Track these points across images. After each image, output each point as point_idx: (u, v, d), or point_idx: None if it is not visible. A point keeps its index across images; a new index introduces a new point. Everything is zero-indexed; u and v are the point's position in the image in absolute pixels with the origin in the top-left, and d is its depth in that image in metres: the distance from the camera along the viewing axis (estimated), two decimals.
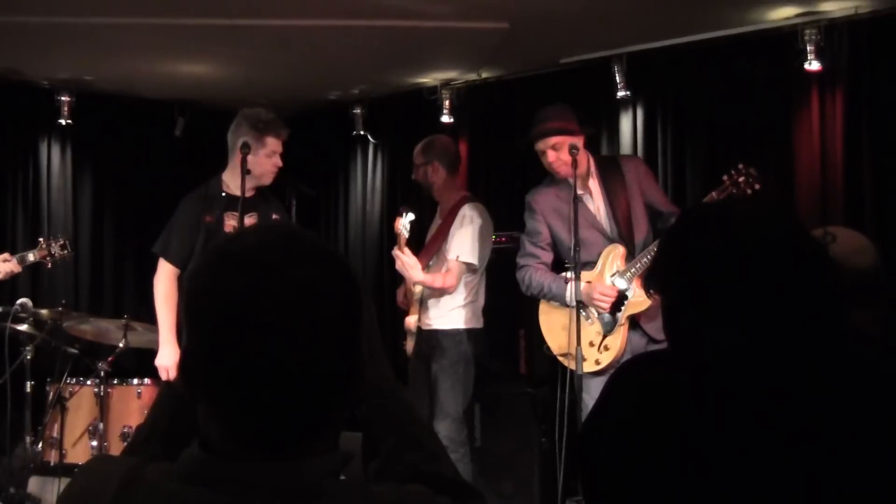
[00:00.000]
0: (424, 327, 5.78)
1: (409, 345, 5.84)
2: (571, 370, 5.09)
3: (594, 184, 5.24)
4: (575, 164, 5.05)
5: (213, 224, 5.13)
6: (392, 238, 5.75)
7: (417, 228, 5.79)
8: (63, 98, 7.65)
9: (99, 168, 8.13)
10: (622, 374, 1.66)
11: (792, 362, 1.55)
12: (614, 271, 5.12)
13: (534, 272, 5.32)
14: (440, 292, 5.71)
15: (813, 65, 6.04)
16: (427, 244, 5.89)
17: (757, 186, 4.92)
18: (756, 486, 1.46)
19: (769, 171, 6.28)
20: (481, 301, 5.84)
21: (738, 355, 1.57)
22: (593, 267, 5.15)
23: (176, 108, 8.20)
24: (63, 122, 7.68)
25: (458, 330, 5.71)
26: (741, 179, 4.94)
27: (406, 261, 5.54)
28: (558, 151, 5.12)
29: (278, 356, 1.31)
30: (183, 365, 1.40)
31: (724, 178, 5.01)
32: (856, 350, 1.61)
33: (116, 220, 8.18)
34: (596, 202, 5.23)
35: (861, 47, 6.01)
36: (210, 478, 1.34)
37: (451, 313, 5.73)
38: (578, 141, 5.15)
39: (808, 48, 6.02)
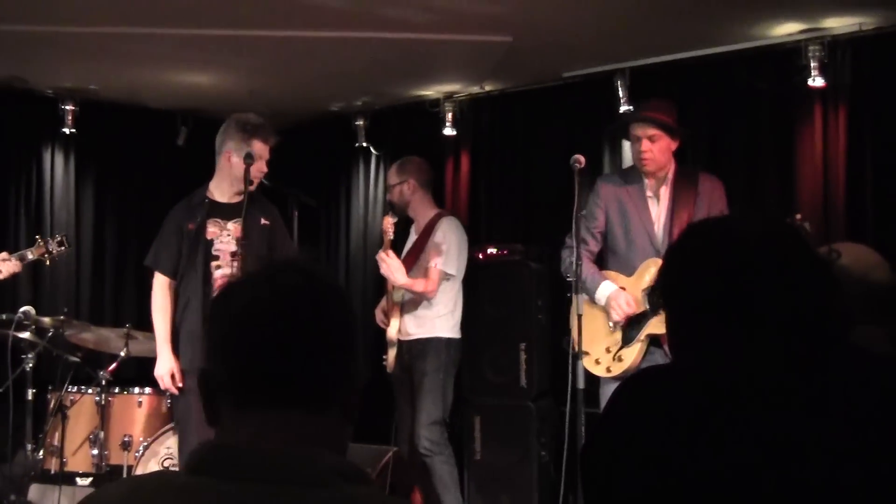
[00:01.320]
0: (405, 338, 5.93)
1: (391, 356, 5.94)
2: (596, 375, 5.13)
3: (665, 191, 5.15)
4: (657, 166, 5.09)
5: (195, 231, 5.15)
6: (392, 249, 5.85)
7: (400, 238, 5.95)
8: (67, 107, 7.65)
9: (102, 177, 8.12)
10: (626, 388, 1.67)
11: (799, 378, 1.55)
12: (648, 285, 5.04)
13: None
14: (420, 303, 5.88)
15: (816, 81, 6.04)
16: (404, 259, 5.95)
17: None
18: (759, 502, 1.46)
19: (771, 187, 6.32)
20: (459, 312, 6.01)
21: (743, 371, 1.57)
22: (632, 274, 5.11)
23: (179, 117, 8.21)
24: (67, 130, 7.68)
25: (439, 338, 5.89)
26: None
27: (391, 263, 5.74)
28: (653, 143, 5.05)
29: (288, 335, 1.48)
30: (203, 383, 1.53)
31: None
32: (867, 364, 1.61)
33: (118, 229, 8.17)
34: (659, 210, 5.15)
35: (864, 64, 6.02)
36: (218, 467, 1.41)
37: (431, 323, 5.90)
38: (674, 144, 5.11)
39: (812, 64, 6.01)
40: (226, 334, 1.52)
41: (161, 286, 5.24)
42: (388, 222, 5.84)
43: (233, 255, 5.08)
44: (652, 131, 5.05)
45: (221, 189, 5.21)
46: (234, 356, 1.49)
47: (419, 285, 5.80)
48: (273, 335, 1.48)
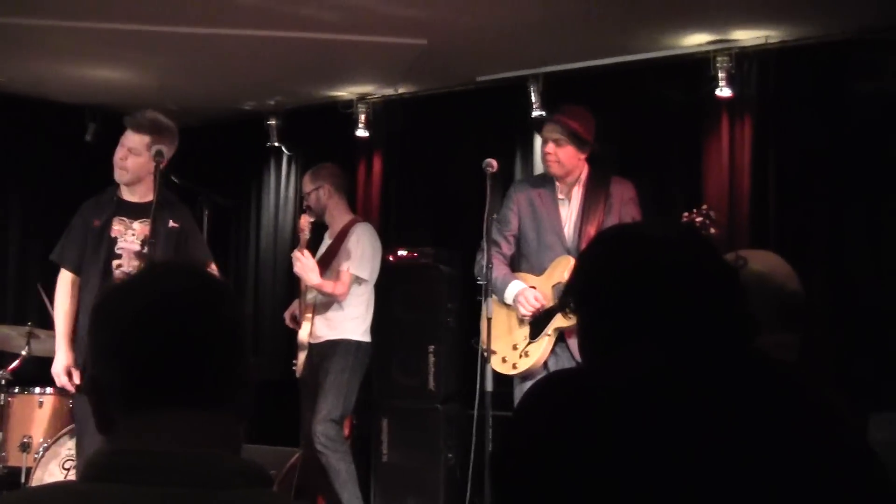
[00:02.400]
0: (315, 341, 5.91)
1: (300, 360, 5.89)
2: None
3: (577, 192, 5.19)
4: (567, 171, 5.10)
5: (100, 228, 5.07)
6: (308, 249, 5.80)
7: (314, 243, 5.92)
8: None
9: (5, 172, 7.94)
10: (536, 392, 1.67)
11: (706, 381, 1.58)
12: (557, 282, 5.07)
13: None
14: (331, 305, 5.88)
15: (724, 91, 6.16)
16: (317, 263, 5.93)
17: (713, 230, 4.90)
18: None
19: (678, 195, 6.42)
20: (370, 316, 6.02)
21: (653, 374, 1.59)
22: (542, 273, 5.13)
23: (87, 112, 8.06)
24: None
25: (348, 341, 5.89)
26: (699, 220, 4.95)
27: (305, 263, 5.74)
28: (559, 147, 5.08)
29: (179, 324, 1.49)
30: (92, 388, 1.52)
31: (684, 214, 5.03)
32: (769, 370, 1.65)
33: (22, 225, 8.00)
34: (570, 210, 5.18)
35: (770, 76, 6.16)
36: (117, 472, 1.39)
37: (343, 325, 5.90)
38: (582, 153, 5.14)
39: (720, 75, 6.14)
40: (115, 338, 1.50)
41: (65, 282, 5.15)
42: (305, 221, 5.82)
43: (137, 254, 5.00)
44: (558, 135, 5.10)
45: (131, 188, 5.14)
46: (126, 359, 1.48)
47: (329, 286, 5.79)
48: (164, 336, 1.48)
